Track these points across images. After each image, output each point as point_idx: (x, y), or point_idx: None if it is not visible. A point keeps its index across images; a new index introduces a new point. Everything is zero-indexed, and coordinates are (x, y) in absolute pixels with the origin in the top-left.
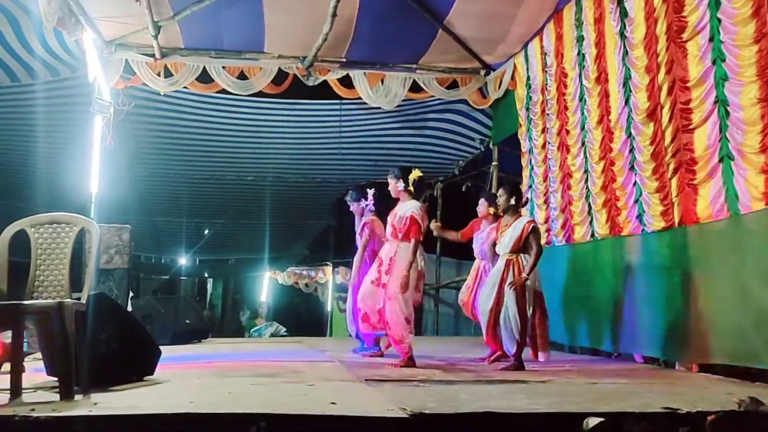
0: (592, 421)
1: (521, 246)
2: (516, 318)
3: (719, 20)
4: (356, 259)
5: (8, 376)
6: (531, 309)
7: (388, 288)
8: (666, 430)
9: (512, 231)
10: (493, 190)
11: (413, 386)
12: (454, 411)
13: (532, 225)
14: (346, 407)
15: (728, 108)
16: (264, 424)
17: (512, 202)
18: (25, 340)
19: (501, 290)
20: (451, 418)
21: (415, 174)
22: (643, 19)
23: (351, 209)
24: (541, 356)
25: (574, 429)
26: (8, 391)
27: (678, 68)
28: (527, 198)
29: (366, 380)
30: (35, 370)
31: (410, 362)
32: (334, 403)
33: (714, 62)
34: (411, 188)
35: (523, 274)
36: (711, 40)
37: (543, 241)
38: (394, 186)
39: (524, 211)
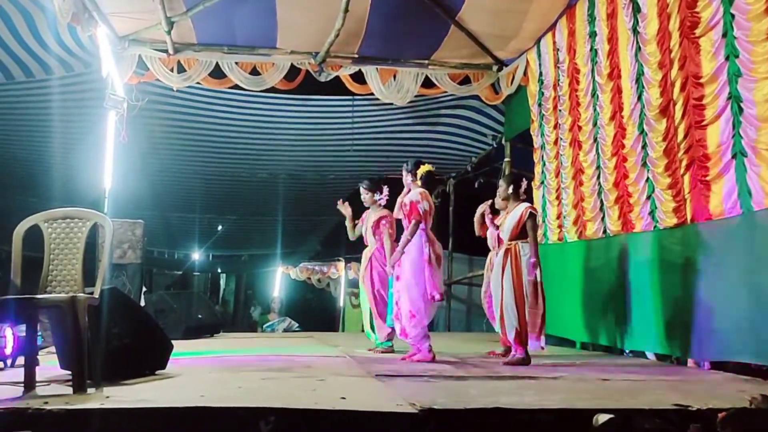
0: (602, 418)
1: (519, 232)
2: (513, 307)
3: (732, 16)
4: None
5: (22, 369)
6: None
7: (399, 281)
8: (677, 427)
9: (512, 217)
10: None
11: (423, 382)
12: (464, 407)
13: (530, 210)
14: (356, 402)
15: (741, 104)
16: (274, 419)
17: (510, 190)
18: (38, 333)
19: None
20: (461, 414)
21: (423, 169)
22: (655, 14)
23: (363, 198)
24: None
25: (584, 425)
26: (22, 384)
27: (691, 64)
28: (526, 184)
29: (376, 375)
30: (48, 364)
31: (429, 356)
32: (343, 398)
33: (727, 58)
34: (419, 182)
35: (532, 259)
36: (724, 36)
37: (555, 237)
38: (406, 178)
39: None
